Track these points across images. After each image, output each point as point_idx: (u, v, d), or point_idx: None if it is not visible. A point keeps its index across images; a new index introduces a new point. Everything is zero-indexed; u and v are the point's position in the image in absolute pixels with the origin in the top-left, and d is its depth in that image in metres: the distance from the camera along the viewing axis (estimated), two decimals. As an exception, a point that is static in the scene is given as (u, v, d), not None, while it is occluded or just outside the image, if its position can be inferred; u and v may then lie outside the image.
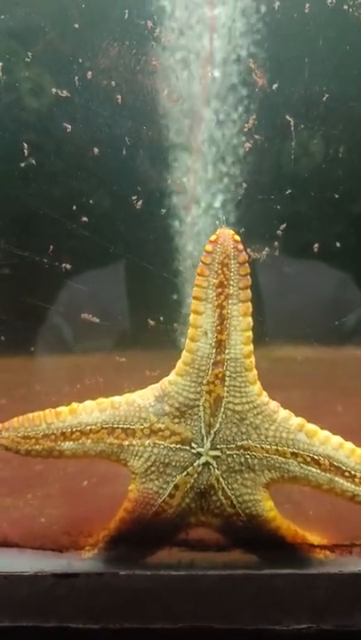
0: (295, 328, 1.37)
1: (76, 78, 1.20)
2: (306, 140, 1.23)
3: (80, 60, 1.20)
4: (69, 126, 1.19)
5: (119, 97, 1.20)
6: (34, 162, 1.23)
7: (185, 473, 1.05)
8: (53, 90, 1.20)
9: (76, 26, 1.18)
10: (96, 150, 1.23)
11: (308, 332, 1.34)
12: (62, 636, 1.06)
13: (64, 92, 1.19)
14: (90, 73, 1.19)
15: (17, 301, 1.31)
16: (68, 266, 1.26)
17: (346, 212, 1.31)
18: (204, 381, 1.03)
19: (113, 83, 1.20)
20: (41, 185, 1.26)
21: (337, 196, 1.26)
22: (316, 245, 1.26)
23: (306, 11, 1.15)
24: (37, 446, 1.06)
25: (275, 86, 1.21)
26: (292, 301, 1.42)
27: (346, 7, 1.15)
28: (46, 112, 1.23)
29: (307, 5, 1.15)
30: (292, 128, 1.19)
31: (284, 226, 1.23)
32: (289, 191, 1.25)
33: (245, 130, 1.21)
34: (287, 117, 1.19)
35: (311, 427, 1.05)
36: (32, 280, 1.31)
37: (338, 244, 1.30)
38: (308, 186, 1.28)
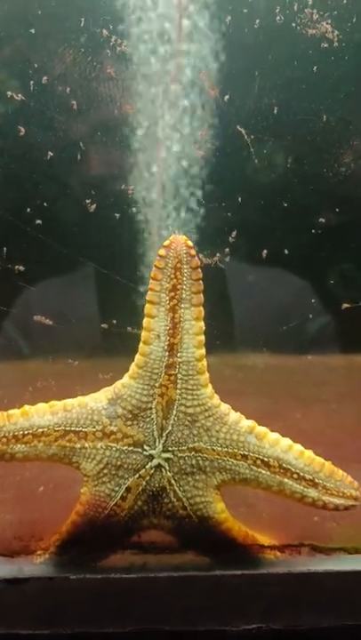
0: (258, 335, 1.39)
1: (32, 83, 1.21)
2: (257, 151, 1.26)
3: (36, 65, 1.21)
4: (22, 129, 1.20)
5: (74, 103, 1.22)
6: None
7: (137, 475, 1.06)
8: (9, 93, 1.20)
9: (32, 31, 1.20)
10: (50, 154, 1.23)
11: (269, 340, 1.36)
12: (11, 643, 1.05)
13: (19, 95, 1.20)
14: (45, 78, 1.21)
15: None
16: (22, 268, 1.26)
17: (301, 221, 1.35)
18: (157, 384, 1.05)
19: (68, 89, 1.22)
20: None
21: (286, 205, 1.30)
22: (265, 252, 1.30)
23: (256, 26, 1.20)
24: (-12, 449, 1.05)
25: (226, 98, 1.24)
26: (254, 308, 1.45)
27: (294, 24, 1.19)
28: (5, 116, 1.23)
29: (257, 21, 1.20)
30: (245, 138, 1.23)
31: (235, 233, 1.26)
32: (240, 199, 1.29)
33: (199, 139, 1.24)
34: (238, 128, 1.22)
35: (261, 429, 1.07)
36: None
37: (295, 253, 1.34)
38: (259, 194, 1.32)
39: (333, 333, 1.44)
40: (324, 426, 1.43)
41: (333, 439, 1.37)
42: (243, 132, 1.21)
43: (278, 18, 1.19)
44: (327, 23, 1.19)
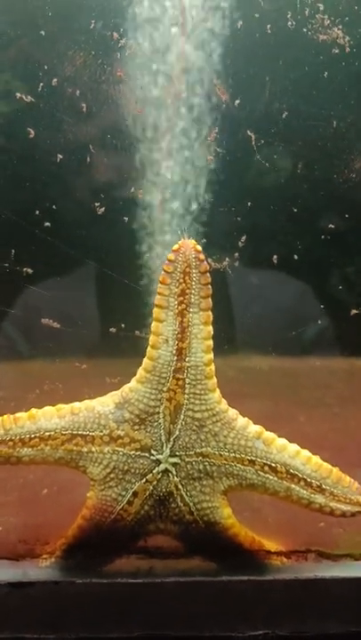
0: (262, 338, 1.39)
1: (42, 85, 1.20)
2: (267, 156, 1.26)
3: (45, 67, 1.21)
4: (32, 131, 1.20)
5: (84, 105, 1.22)
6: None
7: (144, 480, 1.06)
8: (18, 95, 1.20)
9: (42, 33, 1.19)
10: (60, 156, 1.23)
11: (273, 343, 1.36)
12: (16, 647, 1.04)
13: (29, 97, 1.19)
14: (55, 80, 1.20)
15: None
16: (30, 271, 1.25)
17: (307, 225, 1.35)
18: (165, 389, 1.04)
19: (78, 91, 1.21)
20: (4, 189, 1.26)
21: (296, 210, 1.30)
22: (275, 257, 1.29)
23: (267, 31, 1.20)
24: (-6, 452, 1.04)
25: (237, 102, 1.24)
26: (258, 312, 1.45)
27: (305, 30, 1.19)
28: (12, 117, 1.23)
29: (268, 26, 1.19)
30: (254, 143, 1.23)
31: (244, 238, 1.26)
32: (250, 204, 1.29)
33: (208, 143, 1.24)
34: (248, 133, 1.22)
35: (269, 434, 1.07)
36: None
37: (301, 257, 1.34)
38: (268, 199, 1.31)
39: (336, 337, 1.43)
40: (328, 430, 1.43)
41: (337, 443, 1.37)
42: (253, 136, 1.21)
43: (290, 23, 1.19)
44: (338, 29, 1.19)
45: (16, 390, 1.29)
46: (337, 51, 1.20)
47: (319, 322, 1.41)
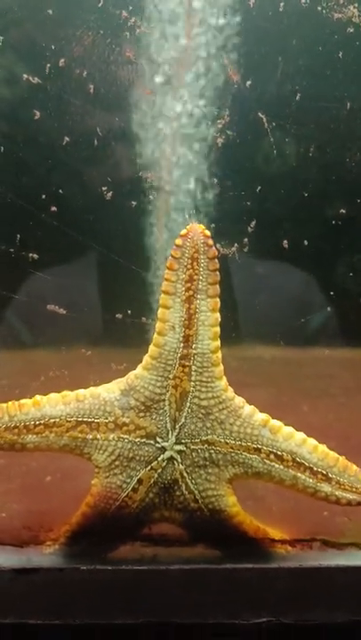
0: (265, 327, 1.38)
1: (49, 66, 1.18)
2: (278, 139, 1.24)
3: (53, 48, 1.18)
4: (38, 113, 1.17)
5: (92, 87, 1.19)
6: (2, 149, 1.21)
7: (149, 467, 1.05)
8: (24, 76, 1.17)
9: (50, 12, 1.16)
10: (67, 139, 1.21)
11: (276, 332, 1.35)
12: (21, 633, 1.05)
13: (35, 79, 1.17)
14: (62, 61, 1.18)
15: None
16: (36, 256, 1.24)
17: (317, 211, 1.33)
18: (171, 376, 1.03)
19: (85, 72, 1.19)
20: (10, 173, 1.24)
21: (306, 195, 1.28)
22: (285, 243, 1.28)
23: (280, 9, 1.17)
24: (-1, 439, 1.04)
25: (248, 83, 1.21)
26: (262, 301, 1.44)
27: (319, 8, 1.16)
28: (18, 100, 1.21)
29: (281, 4, 1.16)
30: (266, 125, 1.20)
31: (254, 223, 1.24)
32: (259, 188, 1.26)
33: (219, 126, 1.22)
34: (260, 115, 1.20)
35: (275, 423, 1.06)
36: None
37: (307, 244, 1.32)
38: (278, 184, 1.29)
39: (341, 326, 1.42)
40: (333, 419, 1.42)
41: (342, 433, 1.36)
42: (264, 118, 1.19)
43: (304, 1, 1.16)
44: (354, 7, 1.15)
45: (21, 377, 1.28)
46: (352, 30, 1.17)
47: (324, 311, 1.39)
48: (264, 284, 1.42)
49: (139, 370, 1.05)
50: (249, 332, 1.38)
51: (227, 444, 1.05)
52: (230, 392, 1.06)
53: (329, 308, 1.39)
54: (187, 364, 1.03)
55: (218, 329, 1.03)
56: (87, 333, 1.32)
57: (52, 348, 1.32)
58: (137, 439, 1.05)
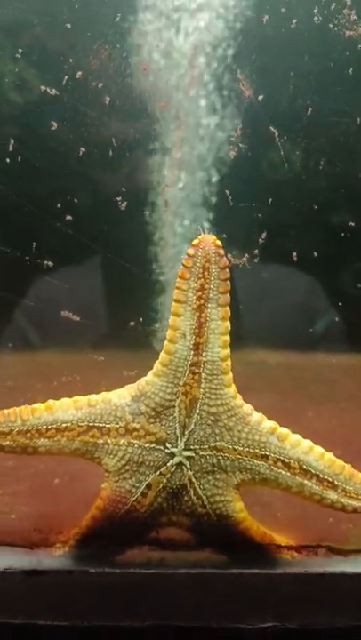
0: (269, 333, 1.39)
1: (66, 77, 1.20)
2: (288, 152, 1.26)
3: (70, 60, 1.20)
4: (55, 124, 1.20)
5: (108, 98, 1.21)
6: (19, 158, 1.23)
7: (158, 472, 1.07)
8: (42, 88, 1.20)
9: (68, 25, 1.19)
10: (83, 150, 1.23)
11: (281, 338, 1.36)
12: (30, 633, 1.06)
13: (53, 90, 1.19)
14: (79, 73, 1.20)
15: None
16: (50, 263, 1.26)
17: (323, 221, 1.34)
18: (181, 382, 1.05)
19: (101, 84, 1.21)
20: (26, 181, 1.26)
21: (316, 207, 1.30)
22: (293, 252, 1.29)
23: (293, 27, 1.19)
24: (11, 442, 1.05)
25: (260, 98, 1.24)
26: (266, 307, 1.45)
27: (331, 25, 1.18)
28: (34, 109, 1.23)
29: (294, 21, 1.19)
30: (277, 139, 1.22)
31: (265, 234, 1.26)
32: (270, 200, 1.28)
33: (232, 139, 1.24)
34: (271, 129, 1.22)
35: (283, 430, 1.07)
36: (12, 276, 1.31)
37: (312, 252, 1.34)
38: (288, 195, 1.31)
39: (344, 332, 1.44)
40: (336, 425, 1.43)
41: (345, 438, 1.38)
42: (275, 132, 1.21)
43: (316, 18, 1.18)
44: (365, 25, 1.18)
45: (34, 382, 1.30)
46: (362, 47, 1.20)
47: (328, 317, 1.41)
48: (271, 291, 1.43)
49: (149, 376, 1.06)
50: (253, 338, 1.39)
51: (235, 450, 1.07)
52: (239, 399, 1.07)
53: (333, 315, 1.40)
54: (197, 371, 1.04)
55: (228, 337, 1.05)
56: (99, 340, 1.34)
57: (65, 354, 1.33)
58: (147, 444, 1.06)
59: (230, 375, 1.06)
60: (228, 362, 1.05)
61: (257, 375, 1.39)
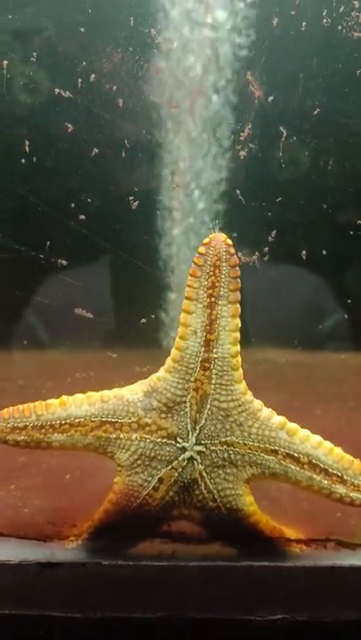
0: (278, 332, 1.40)
1: (80, 80, 1.22)
2: (297, 152, 1.27)
3: (84, 63, 1.22)
4: (70, 126, 1.22)
5: (120, 101, 1.23)
6: (34, 159, 1.25)
7: (170, 467, 1.08)
8: (57, 90, 1.22)
9: (82, 30, 1.21)
10: (96, 150, 1.25)
11: (288, 336, 1.38)
12: (45, 624, 1.08)
13: (67, 92, 1.21)
14: (93, 76, 1.22)
15: (9, 295, 1.32)
16: (64, 262, 1.28)
17: (332, 220, 1.36)
18: (192, 379, 1.06)
19: (115, 87, 1.23)
20: (41, 182, 1.28)
21: (325, 206, 1.31)
22: (301, 250, 1.31)
23: (302, 29, 1.21)
24: (26, 437, 1.07)
25: (270, 99, 1.25)
26: (275, 305, 1.46)
27: (340, 27, 1.20)
28: (49, 111, 1.25)
29: (303, 24, 1.20)
30: (285, 139, 1.24)
31: (274, 233, 1.28)
32: (279, 199, 1.30)
33: (241, 139, 1.25)
34: (281, 129, 1.24)
35: (292, 425, 1.09)
36: (26, 275, 1.33)
37: (320, 250, 1.35)
38: (297, 195, 1.33)
39: (352, 331, 1.45)
40: (344, 423, 1.44)
41: (354, 436, 1.38)
42: (285, 132, 1.23)
43: (325, 20, 1.19)
44: (374, 27, 1.19)
45: (49, 378, 1.32)
46: (371, 49, 1.21)
47: (336, 316, 1.42)
48: (279, 290, 1.45)
49: (161, 372, 1.08)
50: (261, 337, 1.40)
51: (245, 445, 1.08)
52: (249, 395, 1.09)
53: (341, 313, 1.42)
54: (208, 367, 1.06)
55: (238, 334, 1.06)
56: (111, 337, 1.36)
57: (78, 350, 1.35)
58: (158, 439, 1.08)
59: (240, 371, 1.07)
60: (239, 358, 1.07)
61: (265, 374, 1.40)
